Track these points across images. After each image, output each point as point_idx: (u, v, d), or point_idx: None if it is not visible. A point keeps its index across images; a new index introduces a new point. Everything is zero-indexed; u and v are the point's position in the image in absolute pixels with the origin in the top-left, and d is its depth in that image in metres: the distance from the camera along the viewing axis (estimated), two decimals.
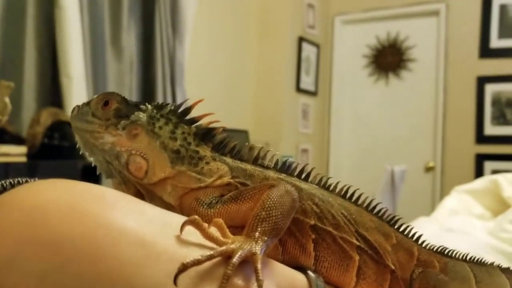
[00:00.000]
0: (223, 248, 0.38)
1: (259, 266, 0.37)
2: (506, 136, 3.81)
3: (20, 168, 1.83)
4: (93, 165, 0.51)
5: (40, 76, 2.24)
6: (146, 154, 0.48)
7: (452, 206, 1.91)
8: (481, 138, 3.88)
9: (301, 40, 4.10)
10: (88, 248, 0.35)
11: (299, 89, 4.11)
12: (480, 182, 2.06)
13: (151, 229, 0.38)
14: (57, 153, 2.05)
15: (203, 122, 0.52)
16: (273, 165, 0.52)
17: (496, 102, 3.84)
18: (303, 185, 0.51)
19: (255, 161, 0.52)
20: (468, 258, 0.63)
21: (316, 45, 4.32)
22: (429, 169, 4.11)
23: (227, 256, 0.38)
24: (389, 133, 4.25)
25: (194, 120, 0.51)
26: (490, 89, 3.85)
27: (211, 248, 0.38)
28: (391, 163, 3.49)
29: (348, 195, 0.54)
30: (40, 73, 2.25)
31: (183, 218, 0.40)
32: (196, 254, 0.37)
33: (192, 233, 0.39)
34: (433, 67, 4.10)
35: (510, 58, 3.80)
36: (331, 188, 0.54)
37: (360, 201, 0.55)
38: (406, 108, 4.21)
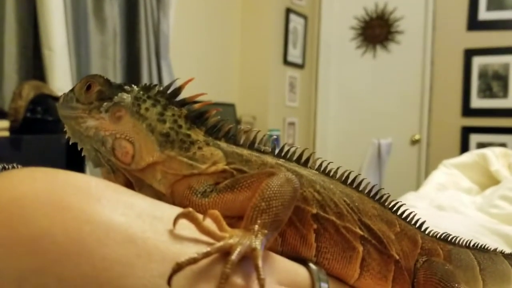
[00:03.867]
0: (221, 243, 0.35)
1: (259, 263, 0.35)
2: (492, 109, 3.83)
3: (3, 143, 1.80)
4: (83, 154, 0.48)
5: (21, 48, 2.19)
6: (132, 137, 0.45)
7: (440, 181, 1.91)
8: (467, 111, 3.89)
9: (288, 11, 4.03)
10: (72, 247, 0.32)
11: (286, 62, 4.06)
12: (468, 156, 2.06)
13: (141, 224, 0.35)
14: (40, 127, 2.01)
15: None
16: (270, 150, 0.49)
17: (483, 75, 3.84)
18: (303, 171, 0.48)
19: (251, 146, 0.49)
20: (471, 244, 0.61)
21: (304, 17, 4.25)
22: (415, 142, 4.13)
23: (225, 252, 0.35)
24: (375, 105, 4.24)
25: (185, 102, 0.48)
26: (477, 61, 3.85)
27: (207, 244, 0.36)
28: (377, 136, 3.49)
29: (349, 180, 0.51)
30: (21, 45, 2.19)
31: (176, 210, 0.37)
32: (191, 251, 0.34)
33: (186, 227, 0.36)
34: (420, 39, 4.08)
35: (498, 30, 3.78)
36: (331, 173, 0.51)
37: (361, 187, 0.52)
38: (393, 80, 4.19)
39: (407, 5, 4.15)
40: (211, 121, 0.48)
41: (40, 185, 0.34)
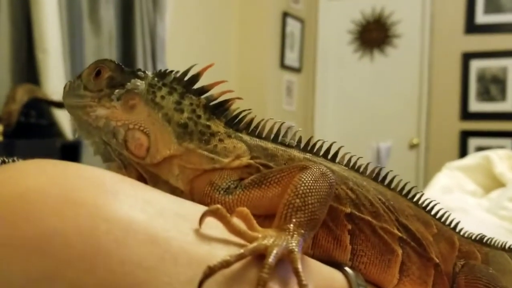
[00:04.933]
0: (254, 244, 0.31)
1: (299, 267, 0.31)
2: (490, 112, 3.81)
3: None
4: (90, 148, 0.44)
5: (14, 51, 2.15)
6: (147, 128, 0.41)
7: (444, 183, 1.88)
8: (465, 114, 3.87)
9: (285, 15, 4.00)
10: (86, 248, 0.27)
11: (283, 66, 4.03)
12: (471, 159, 2.04)
13: (163, 223, 0.31)
14: (34, 132, 1.98)
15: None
16: (296, 143, 0.45)
17: (481, 78, 3.83)
18: (333, 166, 0.44)
19: (275, 139, 0.45)
20: (507, 246, 0.57)
21: (301, 21, 4.23)
22: (413, 146, 4.10)
23: (259, 255, 0.31)
24: (373, 110, 4.21)
25: (203, 90, 0.44)
26: (475, 65, 3.83)
27: (239, 245, 0.31)
28: (375, 140, 3.46)
29: (380, 177, 0.47)
30: (15, 48, 2.16)
31: (200, 208, 0.33)
32: (221, 253, 0.30)
33: (212, 227, 0.32)
34: (418, 43, 4.06)
35: (496, 34, 3.77)
36: (361, 170, 0.47)
37: (393, 185, 0.48)
38: (391, 84, 4.16)
39: (404, 9, 4.12)
40: (231, 111, 0.44)
41: (48, 178, 0.30)
